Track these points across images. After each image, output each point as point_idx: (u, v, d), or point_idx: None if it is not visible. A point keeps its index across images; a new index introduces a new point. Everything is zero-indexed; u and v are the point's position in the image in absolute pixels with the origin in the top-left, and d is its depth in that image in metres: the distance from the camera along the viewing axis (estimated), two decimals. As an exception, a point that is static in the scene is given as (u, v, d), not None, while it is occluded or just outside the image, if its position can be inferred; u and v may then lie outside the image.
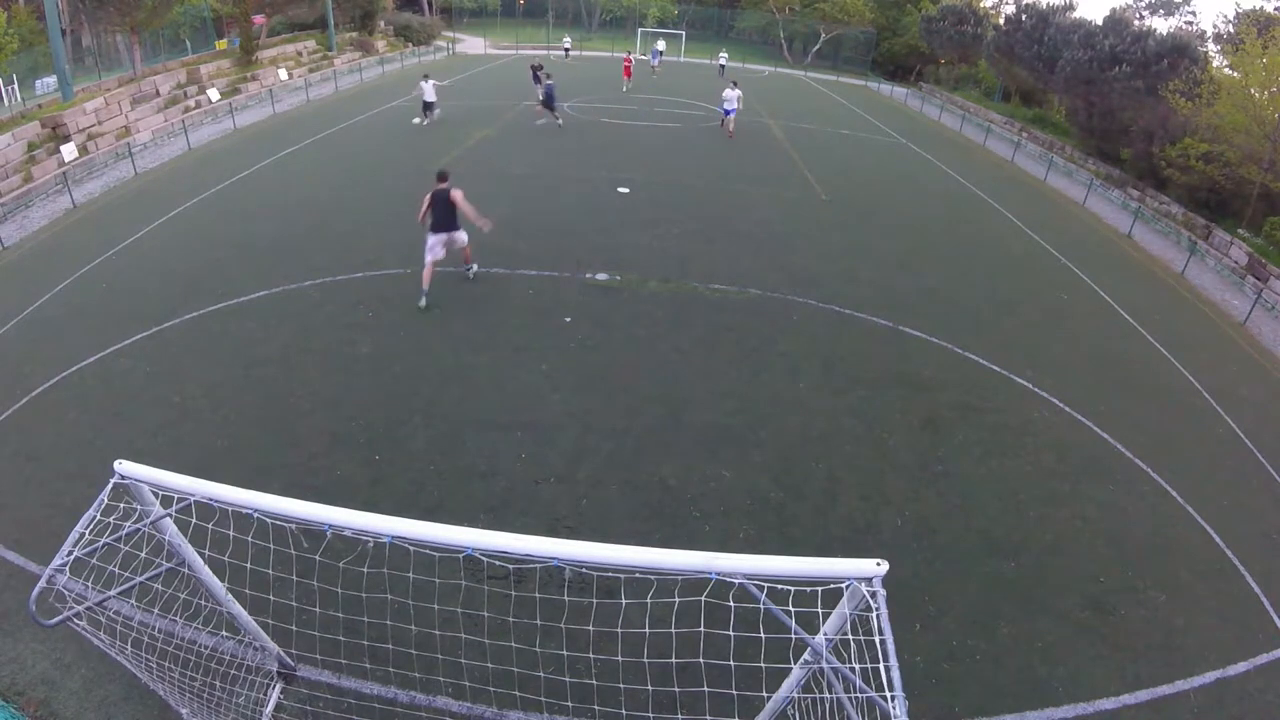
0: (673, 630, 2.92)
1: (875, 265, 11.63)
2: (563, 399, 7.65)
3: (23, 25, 20.85)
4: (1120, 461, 7.55)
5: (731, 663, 2.82)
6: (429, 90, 19.35)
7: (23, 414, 7.04)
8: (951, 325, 10.01)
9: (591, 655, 3.56)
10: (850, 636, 2.52)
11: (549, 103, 19.73)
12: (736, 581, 2.32)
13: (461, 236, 9.61)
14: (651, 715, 3.65)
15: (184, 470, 2.83)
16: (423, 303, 9.36)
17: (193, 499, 2.70)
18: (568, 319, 9.31)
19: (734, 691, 3.09)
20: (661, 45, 40.94)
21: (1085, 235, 16.35)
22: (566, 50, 39.73)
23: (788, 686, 3.10)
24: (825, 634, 2.61)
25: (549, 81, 19.87)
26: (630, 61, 29.07)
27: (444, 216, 9.38)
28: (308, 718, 4.25)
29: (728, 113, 20.82)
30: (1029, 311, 11.13)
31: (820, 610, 2.58)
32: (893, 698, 2.19)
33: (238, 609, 3.68)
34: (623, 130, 21.25)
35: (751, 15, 50.86)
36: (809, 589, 2.50)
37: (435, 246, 9.40)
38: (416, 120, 19.86)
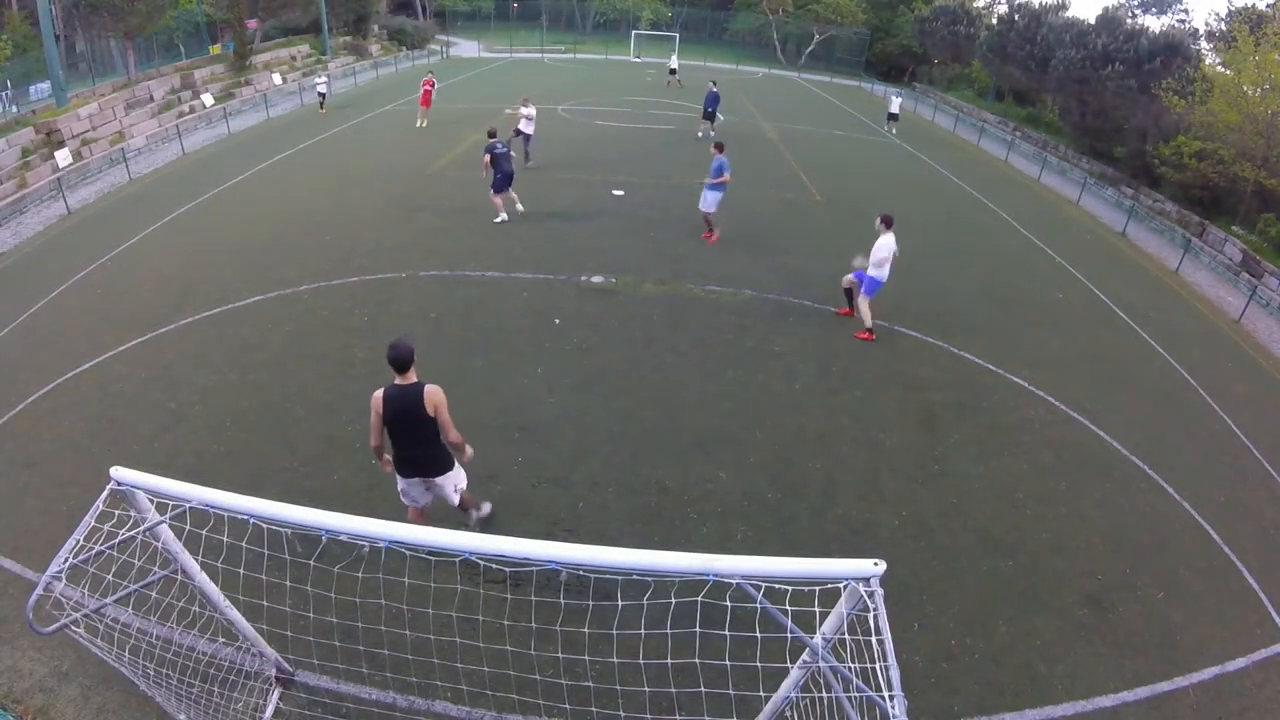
0: (669, 631, 2.92)
1: (871, 265, 11.63)
2: (559, 401, 7.65)
3: (16, 31, 20.83)
4: (1117, 459, 7.57)
5: (728, 662, 2.81)
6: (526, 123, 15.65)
7: (18, 420, 7.01)
8: (947, 324, 10.03)
9: (588, 657, 3.56)
10: (848, 636, 2.51)
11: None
12: (734, 582, 2.32)
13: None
14: (650, 717, 3.64)
15: (180, 476, 2.83)
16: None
17: (189, 505, 2.69)
18: (561, 320, 9.31)
19: (732, 692, 3.09)
20: (673, 61, 32.13)
21: (1080, 233, 16.40)
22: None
23: (786, 687, 3.10)
24: (823, 634, 2.61)
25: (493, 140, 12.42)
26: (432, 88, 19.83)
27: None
28: (306, 723, 4.24)
29: None
30: (1024, 310, 11.16)
31: (818, 610, 2.58)
32: (891, 697, 2.20)
33: (235, 615, 3.67)
34: (617, 132, 21.27)
35: (745, 17, 50.91)
36: (807, 589, 2.50)
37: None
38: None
